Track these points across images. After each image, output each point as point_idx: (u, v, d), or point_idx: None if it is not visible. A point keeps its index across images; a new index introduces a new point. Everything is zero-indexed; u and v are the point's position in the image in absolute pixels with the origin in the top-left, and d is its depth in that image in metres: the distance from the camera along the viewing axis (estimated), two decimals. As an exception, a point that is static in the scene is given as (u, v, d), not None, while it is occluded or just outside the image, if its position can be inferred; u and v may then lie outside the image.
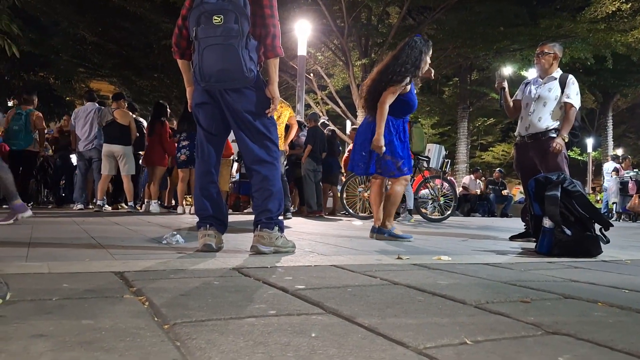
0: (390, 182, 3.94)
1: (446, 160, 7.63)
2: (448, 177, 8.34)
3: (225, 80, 2.48)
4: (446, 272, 2.10)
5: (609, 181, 12.44)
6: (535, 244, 3.14)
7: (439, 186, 7.75)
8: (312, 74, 14.86)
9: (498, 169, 13.27)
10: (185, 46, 2.66)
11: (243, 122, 2.59)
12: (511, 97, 4.42)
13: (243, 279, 1.77)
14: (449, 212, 7.65)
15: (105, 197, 7.54)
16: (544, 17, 11.21)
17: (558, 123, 4.03)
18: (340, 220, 7.20)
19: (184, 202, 7.62)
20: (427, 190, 7.86)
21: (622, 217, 12.20)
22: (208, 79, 2.48)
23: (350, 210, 7.57)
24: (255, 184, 2.65)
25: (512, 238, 4.22)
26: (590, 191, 22.85)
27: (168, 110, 8.08)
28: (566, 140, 3.97)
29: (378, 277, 1.88)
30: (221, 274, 1.84)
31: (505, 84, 4.25)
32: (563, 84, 4.05)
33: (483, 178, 12.69)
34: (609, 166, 12.80)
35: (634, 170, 12.66)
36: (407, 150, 3.85)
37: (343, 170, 9.53)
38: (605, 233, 2.99)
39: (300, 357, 0.91)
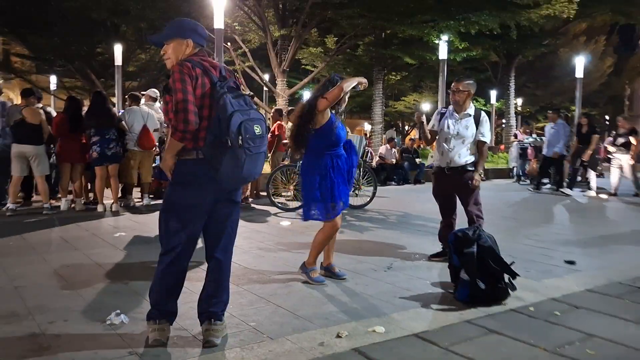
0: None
1: (367, 150, 7.94)
2: (368, 166, 8.71)
3: (248, 182, 2.70)
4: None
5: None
6: (454, 290, 3.53)
7: (360, 175, 8.09)
8: (229, 43, 14.34)
9: (410, 138, 13.91)
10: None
11: (229, 213, 2.72)
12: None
13: None
14: (369, 199, 8.08)
15: (16, 201, 7.13)
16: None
17: (474, 157, 4.43)
18: (267, 213, 7.36)
19: (103, 200, 7.38)
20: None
21: (522, 178, 13.45)
22: (241, 182, 2.68)
23: (275, 201, 7.76)
24: (213, 272, 2.73)
25: (431, 257, 4.66)
26: (493, 144, 24.70)
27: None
28: (482, 177, 4.40)
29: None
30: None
31: (424, 118, 4.52)
32: (477, 121, 4.41)
33: (397, 147, 13.32)
34: None
35: (532, 136, 13.89)
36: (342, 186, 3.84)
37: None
38: (513, 282, 3.44)
39: None
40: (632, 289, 3.77)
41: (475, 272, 3.31)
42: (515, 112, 24.92)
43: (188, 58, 2.58)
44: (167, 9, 12.89)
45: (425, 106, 14.33)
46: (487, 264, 3.36)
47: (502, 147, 21.34)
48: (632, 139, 9.84)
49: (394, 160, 12.78)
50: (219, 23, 10.44)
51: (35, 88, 8.00)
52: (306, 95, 23.40)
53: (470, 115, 4.43)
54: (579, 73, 16.08)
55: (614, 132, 11.14)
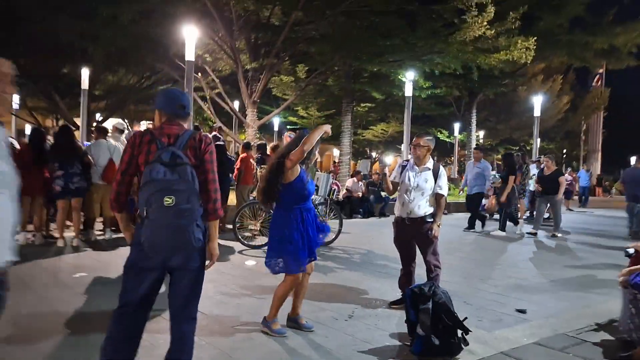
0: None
1: (333, 189, 8.11)
2: (334, 201, 8.87)
3: (175, 253, 2.61)
4: None
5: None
6: (410, 343, 3.67)
7: (326, 212, 8.24)
8: (199, 73, 14.44)
9: (376, 172, 14.22)
10: (125, 201, 2.69)
11: (186, 284, 2.70)
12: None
13: None
14: (334, 236, 8.21)
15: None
16: (420, 38, 12.26)
17: (433, 209, 4.64)
18: (231, 250, 7.38)
19: (64, 235, 7.26)
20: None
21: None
22: (157, 251, 2.57)
23: (241, 236, 7.78)
24: (176, 342, 2.74)
25: (391, 305, 4.81)
26: (457, 175, 25.40)
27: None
28: (439, 227, 4.60)
29: None
30: None
31: (387, 170, 4.73)
32: (436, 174, 4.64)
33: (364, 180, 13.58)
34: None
35: (492, 173, 14.36)
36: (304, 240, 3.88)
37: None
38: (466, 336, 3.61)
39: None
40: (576, 341, 4.00)
41: (430, 328, 3.47)
42: (477, 145, 25.81)
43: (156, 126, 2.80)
44: (138, 36, 12.88)
45: (389, 159, 14.89)
46: (441, 320, 3.53)
47: (463, 177, 21.96)
48: (561, 180, 10.33)
49: (360, 194, 13.04)
50: (190, 55, 10.59)
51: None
52: (276, 122, 23.68)
53: (429, 169, 4.66)
54: (537, 112, 16.90)
55: (536, 173, 11.52)
